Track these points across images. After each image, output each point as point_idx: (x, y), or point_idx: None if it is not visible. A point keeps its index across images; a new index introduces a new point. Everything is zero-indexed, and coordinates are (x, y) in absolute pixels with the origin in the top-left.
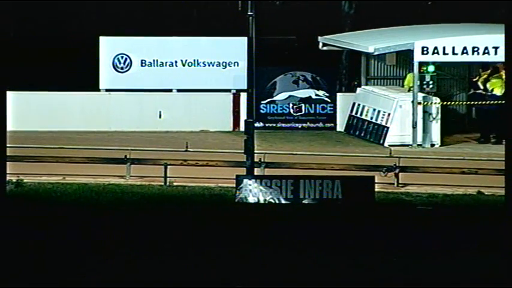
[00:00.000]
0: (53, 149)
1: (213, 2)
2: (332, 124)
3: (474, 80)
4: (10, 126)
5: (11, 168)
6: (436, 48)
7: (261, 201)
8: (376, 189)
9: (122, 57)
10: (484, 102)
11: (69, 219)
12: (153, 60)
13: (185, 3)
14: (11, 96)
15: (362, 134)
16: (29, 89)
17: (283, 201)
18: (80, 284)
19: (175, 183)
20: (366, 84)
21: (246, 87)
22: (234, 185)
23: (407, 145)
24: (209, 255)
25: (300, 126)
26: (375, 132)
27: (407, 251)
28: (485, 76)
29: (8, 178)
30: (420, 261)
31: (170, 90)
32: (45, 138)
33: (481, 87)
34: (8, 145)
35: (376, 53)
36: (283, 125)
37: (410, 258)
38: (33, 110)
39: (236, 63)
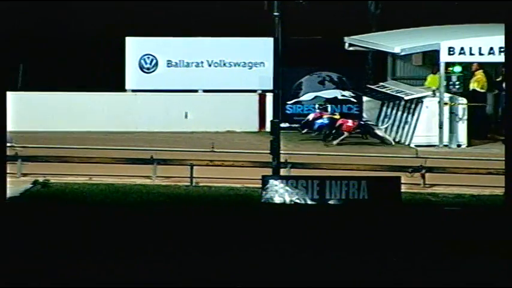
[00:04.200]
0: (80, 149)
1: (240, 2)
2: None
3: (497, 80)
4: (35, 127)
5: (37, 168)
6: (462, 48)
7: (287, 201)
8: (402, 190)
9: (148, 57)
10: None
11: (95, 219)
12: (179, 61)
13: (211, 3)
14: (36, 96)
15: (389, 135)
16: (55, 89)
17: (309, 202)
18: (105, 284)
19: (201, 184)
20: None
21: (272, 88)
22: (260, 186)
23: (433, 145)
24: (234, 255)
25: None
26: (402, 133)
27: (433, 251)
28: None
29: (34, 178)
30: (445, 262)
31: (196, 91)
32: (71, 139)
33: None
34: (34, 145)
35: (402, 54)
36: None
37: (435, 259)
38: (59, 111)
39: (262, 64)
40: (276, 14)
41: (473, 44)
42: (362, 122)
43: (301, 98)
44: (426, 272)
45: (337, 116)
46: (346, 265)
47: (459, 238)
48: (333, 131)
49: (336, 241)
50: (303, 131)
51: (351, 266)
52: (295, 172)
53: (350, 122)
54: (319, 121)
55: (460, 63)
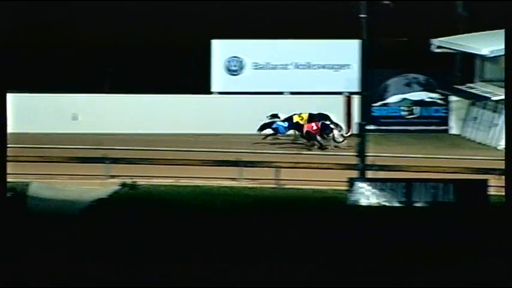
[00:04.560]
0: (167, 151)
1: (325, 3)
2: (445, 127)
3: None
4: (121, 129)
5: (125, 170)
6: None
7: (373, 204)
8: (490, 192)
9: (235, 60)
10: None
11: (182, 221)
12: (266, 63)
13: (297, 5)
14: (121, 99)
15: (476, 137)
16: (141, 91)
17: (395, 204)
18: (193, 284)
19: (287, 186)
20: None
21: (358, 90)
22: (346, 188)
23: None
24: (318, 257)
25: (412, 129)
26: (489, 134)
27: None
28: None
29: (122, 180)
30: None
31: (281, 93)
32: (157, 141)
33: None
34: (121, 148)
35: (490, 55)
36: (396, 127)
37: None
38: (144, 113)
39: (348, 66)
40: (362, 15)
41: None
42: (327, 123)
43: (388, 100)
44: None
45: (301, 118)
46: (433, 267)
47: None
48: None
49: (421, 244)
50: (260, 131)
51: (440, 269)
52: (381, 174)
53: (314, 125)
54: (279, 124)
55: None
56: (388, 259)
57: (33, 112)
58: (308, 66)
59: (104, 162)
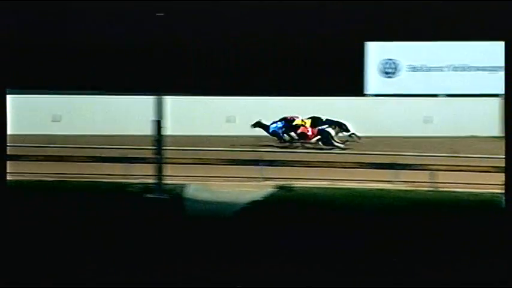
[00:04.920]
0: (320, 153)
1: (482, 4)
2: None
3: None
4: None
5: (280, 172)
6: None
7: None
8: None
9: (390, 62)
10: None
11: (336, 222)
12: (421, 65)
13: (456, 5)
14: (273, 101)
15: None
16: (294, 94)
17: None
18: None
19: (443, 189)
20: None
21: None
22: (503, 191)
23: None
24: (469, 261)
25: None
26: None
27: None
28: None
29: (277, 183)
30: None
31: (436, 95)
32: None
33: None
34: (275, 150)
35: None
36: None
37: None
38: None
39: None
40: None
41: None
42: (323, 128)
43: None
44: None
45: (300, 122)
46: None
47: None
48: (297, 138)
49: None
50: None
51: None
52: None
53: (310, 130)
54: (273, 125)
55: None
56: None
57: (189, 114)
58: (464, 68)
59: (257, 165)
